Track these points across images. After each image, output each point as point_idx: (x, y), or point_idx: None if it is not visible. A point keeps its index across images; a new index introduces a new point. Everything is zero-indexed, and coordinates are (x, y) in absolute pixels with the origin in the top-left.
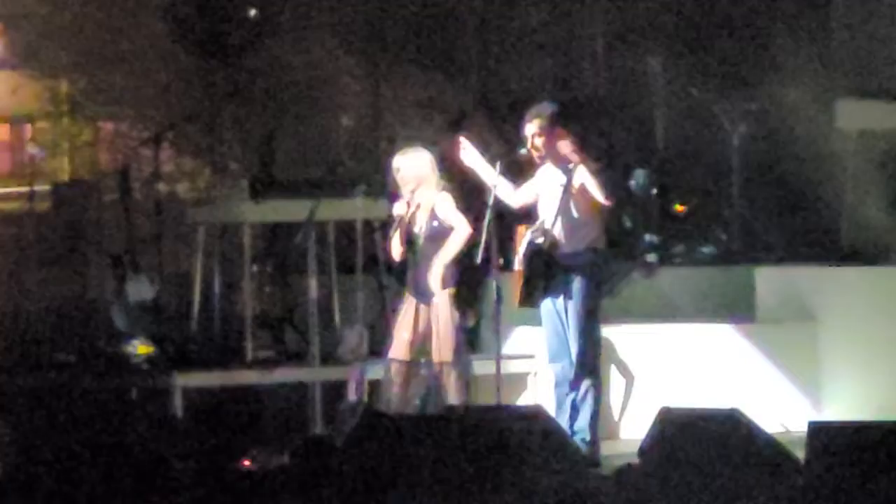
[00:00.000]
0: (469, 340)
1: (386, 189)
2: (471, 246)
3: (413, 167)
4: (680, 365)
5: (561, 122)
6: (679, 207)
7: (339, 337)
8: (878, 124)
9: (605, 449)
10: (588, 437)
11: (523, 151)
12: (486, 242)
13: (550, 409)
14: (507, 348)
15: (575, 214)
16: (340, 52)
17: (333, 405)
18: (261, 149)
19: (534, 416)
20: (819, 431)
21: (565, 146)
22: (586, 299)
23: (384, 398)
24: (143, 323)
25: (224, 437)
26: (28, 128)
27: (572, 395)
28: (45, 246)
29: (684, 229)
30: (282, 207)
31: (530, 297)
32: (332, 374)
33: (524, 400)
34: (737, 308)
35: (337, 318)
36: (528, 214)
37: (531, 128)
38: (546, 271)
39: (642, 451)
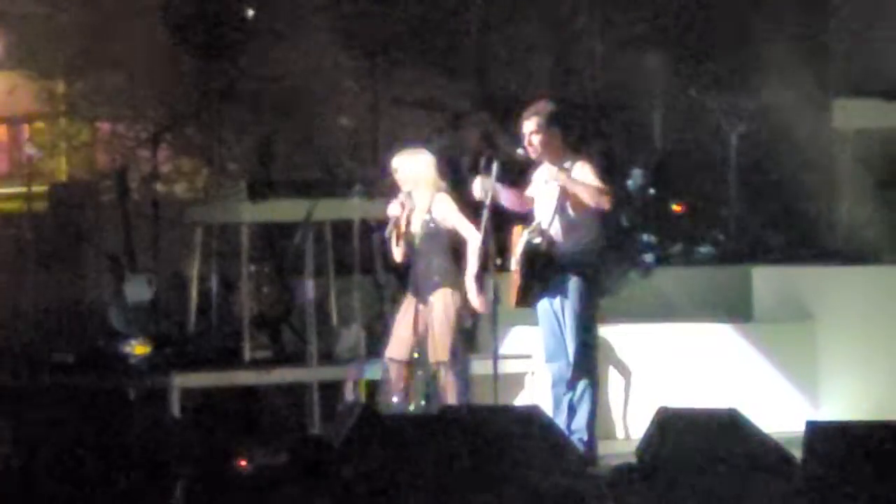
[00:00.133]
0: (467, 340)
1: (384, 189)
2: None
3: (412, 168)
4: (677, 364)
5: (558, 120)
6: (676, 207)
7: (337, 336)
8: (874, 124)
9: (603, 449)
10: (585, 437)
11: (520, 151)
12: (483, 242)
13: (548, 409)
14: (505, 348)
15: (571, 214)
16: (338, 52)
17: (331, 405)
18: (258, 149)
19: (531, 415)
20: (816, 431)
21: (562, 145)
22: (583, 299)
23: (382, 398)
24: (141, 323)
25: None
26: (25, 128)
27: (569, 395)
28: (42, 246)
29: (682, 229)
30: (279, 208)
31: (527, 296)
32: (329, 374)
33: (521, 400)
34: (734, 308)
35: (334, 318)
36: (524, 214)
37: (529, 125)
38: (543, 271)
39: (640, 451)
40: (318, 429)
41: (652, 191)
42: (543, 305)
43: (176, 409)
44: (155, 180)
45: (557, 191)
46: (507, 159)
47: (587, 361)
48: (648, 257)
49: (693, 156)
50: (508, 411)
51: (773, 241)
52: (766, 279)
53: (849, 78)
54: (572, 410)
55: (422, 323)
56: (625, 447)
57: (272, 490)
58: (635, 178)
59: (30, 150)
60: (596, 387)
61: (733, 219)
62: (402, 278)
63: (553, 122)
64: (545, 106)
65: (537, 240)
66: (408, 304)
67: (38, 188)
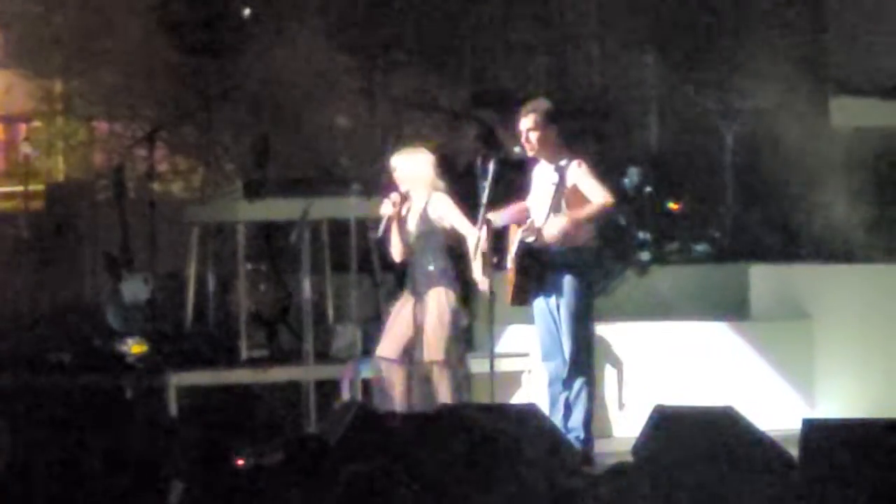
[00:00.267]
0: (463, 339)
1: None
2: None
3: (410, 167)
4: (674, 363)
5: (556, 118)
6: (673, 205)
7: (333, 335)
8: (872, 122)
9: (599, 447)
10: (582, 436)
11: (517, 150)
12: (479, 240)
13: (544, 408)
14: (501, 346)
15: (567, 213)
16: (335, 50)
17: (328, 404)
18: (255, 148)
19: (528, 414)
20: (813, 429)
21: (559, 144)
22: (579, 297)
23: (377, 396)
24: (138, 322)
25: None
26: (22, 127)
27: (566, 394)
28: (39, 245)
29: (678, 227)
30: (276, 206)
31: (522, 295)
32: (326, 372)
33: (518, 398)
34: (731, 306)
35: (331, 316)
36: None
37: (526, 122)
38: (538, 269)
39: (636, 450)
40: (315, 427)
41: (649, 189)
42: (539, 304)
43: (173, 408)
44: (152, 179)
45: (553, 190)
46: (505, 158)
47: (584, 360)
48: (645, 255)
49: (690, 154)
50: (505, 410)
51: (770, 239)
52: (762, 278)
53: (847, 77)
54: (569, 409)
55: (418, 321)
56: (621, 445)
57: (268, 488)
58: (632, 177)
59: (26, 149)
60: (592, 385)
61: (730, 217)
62: (401, 277)
63: (550, 120)
64: (542, 103)
65: (532, 238)
66: (403, 303)
67: (34, 187)
